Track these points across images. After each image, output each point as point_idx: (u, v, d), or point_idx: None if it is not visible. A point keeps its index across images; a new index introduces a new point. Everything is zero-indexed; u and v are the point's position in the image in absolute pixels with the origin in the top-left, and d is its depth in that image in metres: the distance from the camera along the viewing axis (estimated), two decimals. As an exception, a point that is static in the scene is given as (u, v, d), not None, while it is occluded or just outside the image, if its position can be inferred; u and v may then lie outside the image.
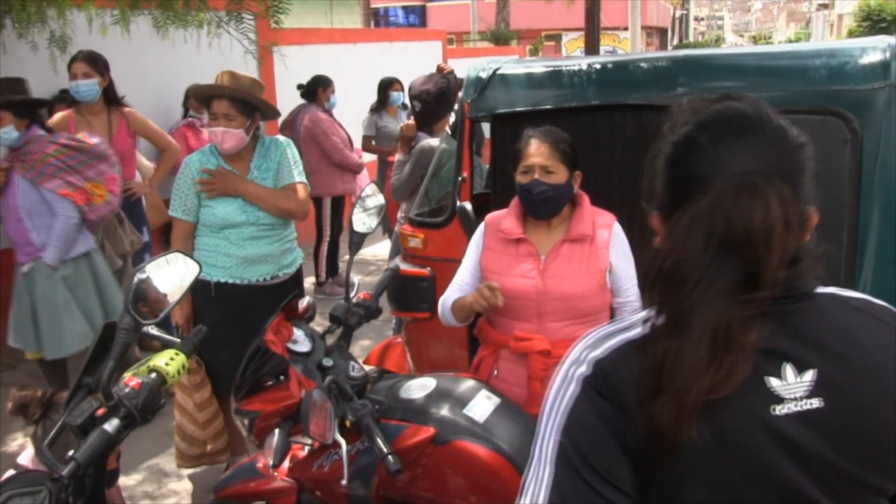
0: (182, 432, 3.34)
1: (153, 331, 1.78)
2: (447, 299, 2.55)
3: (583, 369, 1.04)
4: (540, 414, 1.08)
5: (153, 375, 1.65)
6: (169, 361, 1.70)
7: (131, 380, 1.61)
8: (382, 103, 6.71)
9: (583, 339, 1.08)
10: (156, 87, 6.20)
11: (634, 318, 1.05)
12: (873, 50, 2.61)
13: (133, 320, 1.60)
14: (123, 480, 3.70)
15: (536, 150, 2.38)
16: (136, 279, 1.65)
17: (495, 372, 2.52)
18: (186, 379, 3.27)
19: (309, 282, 7.06)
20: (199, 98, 3.29)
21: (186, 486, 3.70)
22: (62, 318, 3.90)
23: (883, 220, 2.53)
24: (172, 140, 5.01)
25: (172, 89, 6.26)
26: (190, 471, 3.68)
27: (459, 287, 2.57)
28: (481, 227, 2.60)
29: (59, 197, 3.83)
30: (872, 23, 28.15)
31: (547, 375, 2.39)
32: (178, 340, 1.78)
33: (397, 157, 4.31)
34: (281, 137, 3.54)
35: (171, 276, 1.79)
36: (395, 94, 6.65)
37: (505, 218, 2.52)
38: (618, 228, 2.49)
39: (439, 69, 5.16)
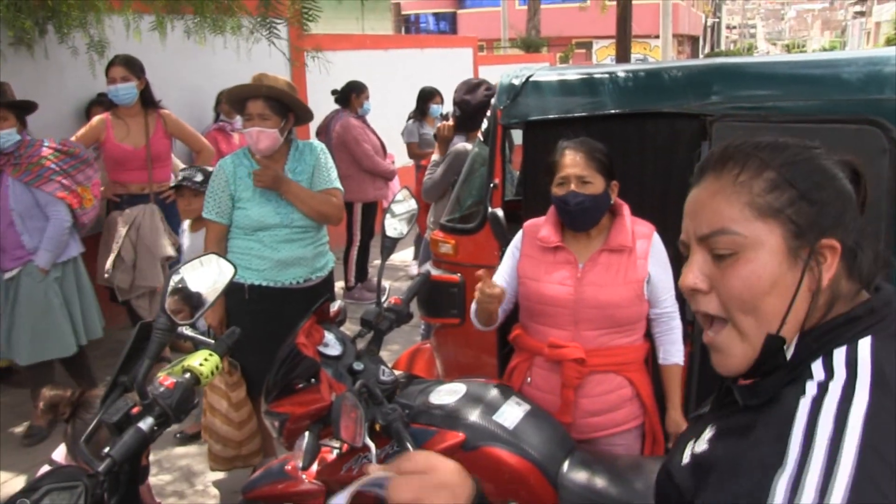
0: (216, 434, 3.36)
1: (187, 331, 1.80)
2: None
3: None
4: None
5: (187, 375, 1.67)
6: (203, 362, 1.71)
7: (166, 379, 1.63)
8: (423, 113, 6.75)
9: None
10: (187, 92, 6.29)
11: None
12: (912, 58, 2.58)
13: (168, 320, 1.61)
14: (153, 479, 3.75)
15: (572, 161, 2.37)
16: (171, 280, 1.67)
17: (528, 379, 2.52)
18: (221, 380, 3.30)
19: (338, 286, 7.10)
20: (234, 100, 3.30)
21: (215, 485, 3.74)
22: (54, 320, 3.96)
23: (921, 231, 2.49)
24: (207, 142, 5.09)
25: (204, 94, 6.36)
26: (220, 473, 3.72)
27: None
28: (519, 234, 2.60)
29: (55, 199, 3.90)
30: (910, 31, 27.72)
31: (580, 384, 2.38)
32: (212, 342, 1.80)
33: (433, 157, 4.33)
34: (315, 141, 3.56)
35: (205, 277, 1.81)
36: (434, 107, 6.68)
37: (543, 226, 2.51)
38: (657, 239, 2.48)
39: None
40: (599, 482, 2.05)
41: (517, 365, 2.57)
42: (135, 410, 1.60)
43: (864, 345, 0.93)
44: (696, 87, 2.86)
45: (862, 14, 57.63)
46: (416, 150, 6.76)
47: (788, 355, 0.96)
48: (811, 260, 0.96)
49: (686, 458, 1.08)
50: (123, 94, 4.54)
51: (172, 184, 4.05)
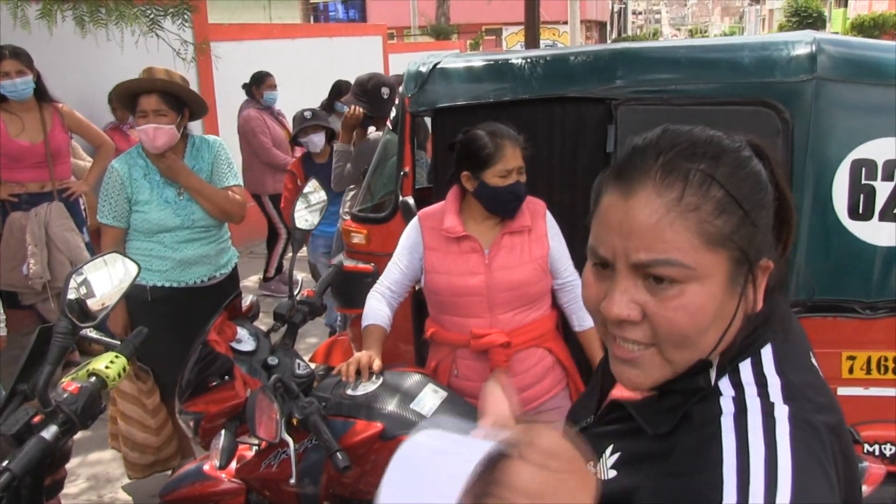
0: (131, 442, 3.26)
1: (92, 334, 1.74)
2: (371, 310, 2.53)
3: None
4: None
5: (93, 379, 1.62)
6: (109, 364, 1.66)
7: (70, 384, 1.57)
8: (331, 108, 6.69)
9: None
10: (79, 89, 5.98)
11: None
12: (800, 44, 2.70)
13: (70, 323, 1.55)
14: (66, 489, 3.61)
15: (513, 153, 2.40)
16: (71, 281, 1.61)
17: (455, 371, 2.54)
18: (132, 387, 3.20)
19: (252, 280, 6.99)
20: (124, 96, 3.14)
21: (132, 491, 3.63)
22: None
23: (813, 208, 2.62)
24: (106, 137, 4.89)
25: (98, 91, 6.08)
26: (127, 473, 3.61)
27: (389, 286, 2.56)
28: (415, 225, 2.57)
29: None
30: (800, 18, 29.13)
31: (508, 366, 2.43)
32: (118, 343, 1.74)
33: (337, 145, 4.25)
34: (212, 136, 3.47)
35: (108, 277, 1.75)
36: (339, 105, 6.63)
37: (445, 216, 2.51)
38: (549, 215, 2.58)
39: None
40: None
41: (440, 361, 2.58)
42: (37, 419, 1.54)
43: (766, 354, 0.91)
44: (601, 72, 2.91)
45: (757, 1, 59.96)
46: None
47: (712, 375, 0.91)
48: (748, 283, 0.89)
49: None
50: (22, 88, 4.31)
51: None
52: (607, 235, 0.90)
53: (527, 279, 2.46)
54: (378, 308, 2.54)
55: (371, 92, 4.22)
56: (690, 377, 0.91)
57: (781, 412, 0.84)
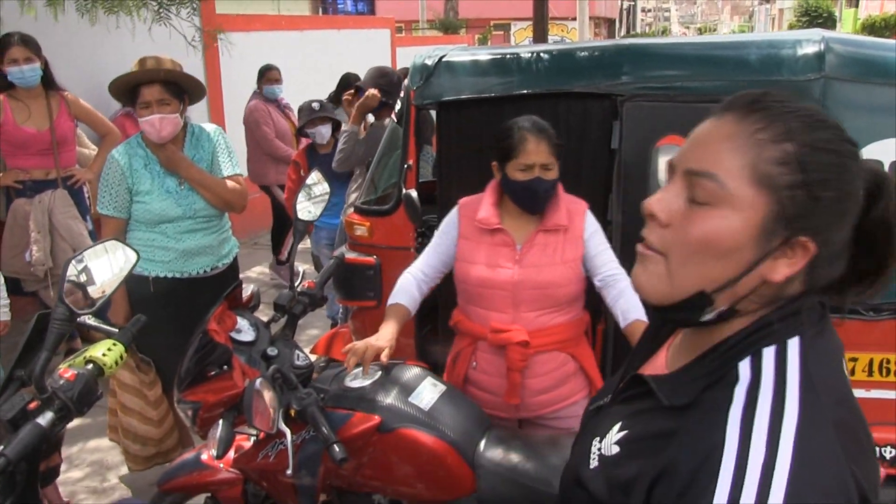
0: (133, 434, 3.25)
1: (90, 321, 1.74)
2: (398, 289, 2.50)
3: None
4: None
5: (90, 366, 1.61)
6: (106, 352, 1.65)
7: (66, 371, 1.57)
8: (339, 100, 6.69)
9: None
10: (87, 76, 5.97)
11: None
12: (809, 42, 2.68)
13: (67, 310, 1.55)
14: (65, 476, 3.62)
15: (536, 148, 2.32)
16: (70, 267, 1.60)
17: (474, 363, 2.51)
18: (132, 378, 3.20)
19: (255, 271, 6.99)
20: (123, 88, 3.11)
21: (130, 479, 3.63)
22: None
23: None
24: (112, 125, 4.89)
25: (106, 79, 6.08)
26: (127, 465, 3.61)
27: (422, 269, 2.53)
28: (455, 212, 2.55)
29: None
30: (811, 18, 29.01)
31: (525, 366, 2.39)
32: (116, 330, 1.73)
33: (347, 127, 4.22)
34: (210, 125, 3.44)
35: (107, 265, 1.74)
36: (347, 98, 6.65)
37: (481, 206, 2.47)
38: (589, 215, 2.48)
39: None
40: (515, 459, 2.07)
41: (461, 350, 2.55)
42: (32, 405, 1.53)
43: (793, 345, 0.90)
44: (607, 68, 2.90)
45: (767, 1, 59.73)
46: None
47: (707, 315, 0.93)
48: (779, 250, 0.89)
49: (594, 461, 1.03)
50: (30, 75, 4.30)
51: None
52: (685, 146, 0.96)
53: (555, 280, 2.38)
54: (406, 288, 2.49)
55: (396, 84, 4.19)
56: (686, 308, 0.93)
57: (791, 410, 0.84)
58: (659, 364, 1.08)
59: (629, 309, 2.31)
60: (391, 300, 2.49)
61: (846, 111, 2.59)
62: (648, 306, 1.00)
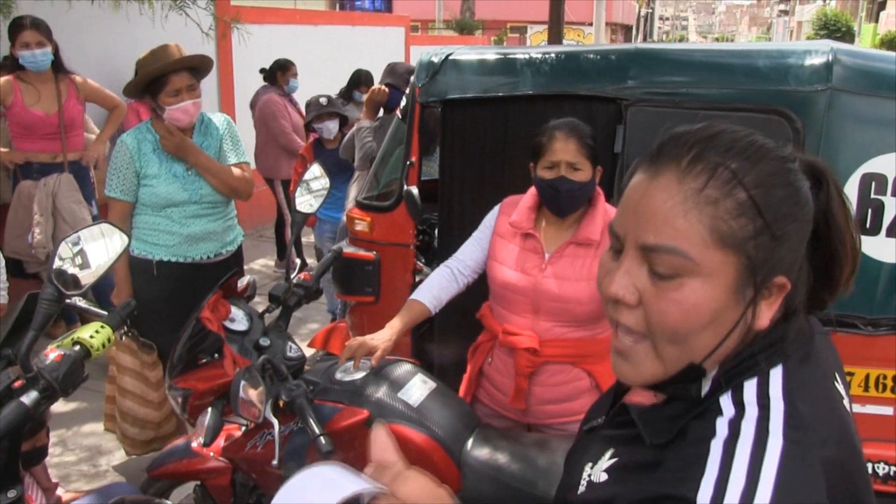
0: (132, 418, 3.26)
1: (80, 303, 1.74)
2: (424, 283, 2.46)
3: None
4: None
5: (77, 348, 1.61)
6: (94, 334, 1.66)
7: (53, 351, 1.57)
8: (349, 97, 6.69)
9: None
10: (102, 62, 6.00)
11: None
12: (817, 53, 2.66)
13: (56, 291, 1.55)
14: (59, 459, 3.63)
15: (563, 147, 2.25)
16: (62, 248, 1.60)
17: (490, 359, 2.48)
18: (132, 361, 3.22)
19: (259, 263, 7.01)
20: (145, 83, 3.11)
21: (122, 465, 3.64)
22: None
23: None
24: (119, 100, 4.89)
25: (123, 66, 6.12)
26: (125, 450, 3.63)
27: (464, 260, 2.49)
28: (496, 209, 2.50)
29: None
30: (829, 31, 28.87)
31: (534, 372, 2.35)
32: (105, 313, 1.74)
33: (362, 123, 4.23)
34: (219, 114, 3.48)
35: (100, 247, 1.74)
36: (357, 94, 6.63)
37: (518, 208, 2.41)
38: None
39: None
40: (502, 459, 2.06)
41: (481, 344, 2.52)
42: (17, 384, 1.54)
43: (776, 376, 0.88)
44: (613, 72, 2.89)
45: (786, 13, 59.55)
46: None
47: (704, 387, 0.90)
48: (758, 298, 0.87)
49: (583, 487, 1.01)
50: (42, 59, 4.34)
51: None
52: (624, 214, 0.91)
53: (576, 296, 2.28)
54: (433, 284, 2.44)
55: (403, 76, 4.20)
56: (682, 383, 0.90)
57: (775, 444, 0.81)
58: (646, 392, 1.04)
59: None
60: (413, 295, 2.44)
61: (851, 124, 2.58)
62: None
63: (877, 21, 31.15)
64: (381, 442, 0.98)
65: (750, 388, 0.87)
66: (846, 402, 0.95)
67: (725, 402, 0.87)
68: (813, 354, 0.93)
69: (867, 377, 2.63)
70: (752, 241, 0.84)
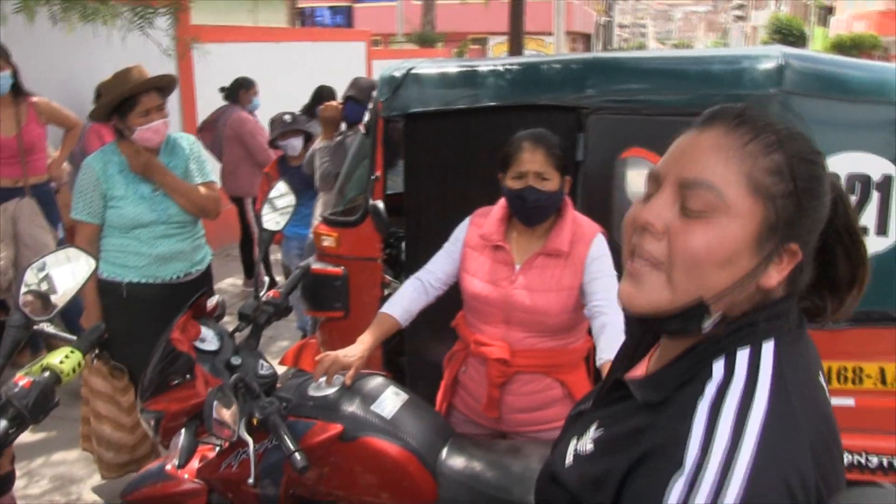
0: (106, 442, 3.24)
1: (48, 328, 1.73)
2: (395, 296, 2.47)
3: None
4: None
5: (46, 374, 1.60)
6: (64, 359, 1.65)
7: (22, 378, 1.56)
8: (312, 113, 6.70)
9: None
10: (62, 84, 5.93)
11: None
12: (769, 58, 2.74)
13: (23, 317, 1.54)
14: (28, 489, 3.58)
15: (531, 157, 2.27)
16: (28, 274, 1.60)
17: (464, 368, 2.49)
18: (104, 385, 3.19)
19: (227, 283, 6.96)
20: (110, 107, 3.10)
21: (98, 488, 3.60)
22: None
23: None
24: (77, 118, 4.84)
25: (82, 87, 6.06)
26: (98, 477, 3.58)
27: (433, 272, 2.49)
28: (466, 221, 2.51)
29: None
30: (783, 35, 29.49)
31: (506, 381, 2.36)
32: (74, 338, 1.73)
33: (320, 143, 4.24)
34: (185, 134, 3.48)
35: (70, 272, 1.74)
36: (319, 110, 6.63)
37: (488, 220, 2.43)
38: (599, 240, 2.35)
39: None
40: (477, 467, 2.08)
41: (456, 352, 2.54)
42: (-15, 413, 1.52)
43: (768, 348, 0.93)
44: (573, 81, 2.94)
45: (742, 18, 60.66)
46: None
47: (705, 327, 0.94)
48: (772, 257, 0.93)
49: (570, 458, 1.06)
50: (1, 83, 4.30)
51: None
52: (670, 156, 0.98)
53: (545, 308, 2.29)
54: (403, 297, 2.45)
55: (367, 89, 4.23)
56: (685, 317, 0.94)
57: (759, 406, 0.86)
58: (640, 373, 1.09)
59: (605, 348, 2.15)
60: (384, 308, 2.45)
61: (804, 125, 2.64)
62: (636, 319, 1.01)
63: (827, 25, 31.93)
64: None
65: (742, 355, 0.92)
66: (827, 394, 1.00)
67: (717, 366, 0.92)
68: (804, 340, 0.99)
69: (828, 370, 2.69)
70: (780, 200, 0.91)
